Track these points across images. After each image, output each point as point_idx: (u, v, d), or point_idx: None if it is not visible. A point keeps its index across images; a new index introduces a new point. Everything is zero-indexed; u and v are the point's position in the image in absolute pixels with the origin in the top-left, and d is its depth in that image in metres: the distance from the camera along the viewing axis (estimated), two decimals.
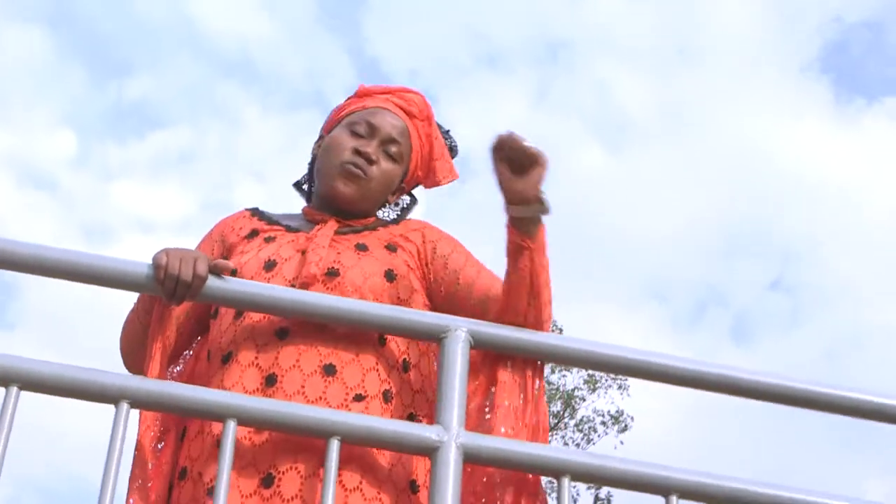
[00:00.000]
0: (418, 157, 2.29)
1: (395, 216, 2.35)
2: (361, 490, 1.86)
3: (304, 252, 2.07)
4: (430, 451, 1.80)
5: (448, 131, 2.39)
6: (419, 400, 2.03)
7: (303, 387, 1.92)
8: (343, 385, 1.93)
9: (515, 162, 1.91)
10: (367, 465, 1.88)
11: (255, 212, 2.27)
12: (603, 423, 20.48)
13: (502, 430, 1.91)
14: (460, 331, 1.91)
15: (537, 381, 1.98)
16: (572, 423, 20.09)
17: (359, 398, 1.94)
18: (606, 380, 20.58)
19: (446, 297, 2.11)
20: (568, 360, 2.03)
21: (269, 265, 2.04)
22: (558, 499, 1.82)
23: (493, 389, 1.97)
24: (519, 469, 1.88)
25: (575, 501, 19.02)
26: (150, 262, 1.86)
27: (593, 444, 20.33)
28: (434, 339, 1.92)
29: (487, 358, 2.00)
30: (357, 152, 2.18)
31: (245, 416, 1.76)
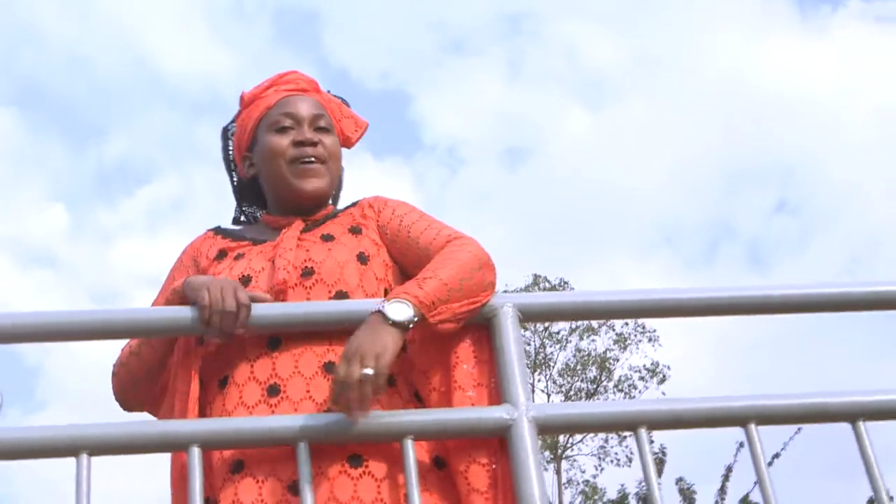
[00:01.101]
0: (344, 132, 2.31)
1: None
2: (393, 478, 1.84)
3: (272, 259, 2.05)
4: (503, 431, 1.79)
5: (328, 90, 2.37)
6: (417, 376, 1.98)
7: (308, 391, 1.89)
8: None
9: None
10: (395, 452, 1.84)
11: (219, 230, 2.24)
12: (641, 378, 20.51)
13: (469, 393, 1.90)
14: (507, 307, 1.91)
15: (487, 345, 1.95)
16: (611, 384, 20.10)
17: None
18: (636, 335, 20.62)
19: (401, 250, 2.09)
20: (616, 312, 2.00)
21: (245, 281, 2.01)
22: (639, 451, 1.81)
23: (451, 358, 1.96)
24: (593, 429, 1.87)
25: (630, 460, 19.05)
26: (190, 301, 1.87)
27: (633, 398, 20.31)
28: (483, 322, 1.92)
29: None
30: (298, 143, 2.17)
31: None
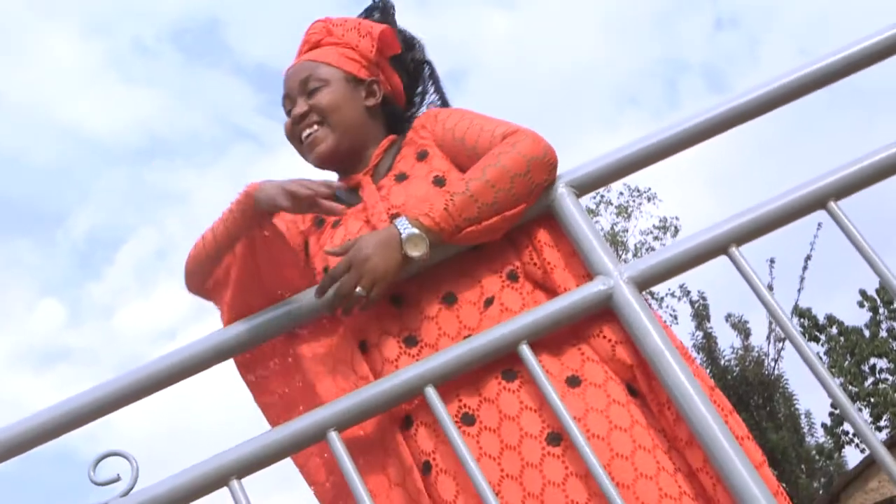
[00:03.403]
0: (356, 56, 2.20)
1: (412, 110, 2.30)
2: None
3: (367, 220, 2.02)
4: (607, 301, 1.80)
5: (362, 14, 2.30)
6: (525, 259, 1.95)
7: (439, 328, 1.89)
8: (466, 304, 1.89)
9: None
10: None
11: None
12: (655, 238, 20.57)
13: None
14: (561, 189, 1.92)
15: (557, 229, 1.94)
16: (629, 255, 20.14)
17: (489, 302, 1.89)
18: (634, 201, 20.64)
19: (464, 162, 2.01)
20: (663, 152, 1.97)
21: None
22: (739, 270, 1.81)
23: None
24: (687, 267, 1.87)
25: (675, 318, 19.14)
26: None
27: None
28: (543, 209, 1.92)
29: None
30: (293, 122, 2.16)
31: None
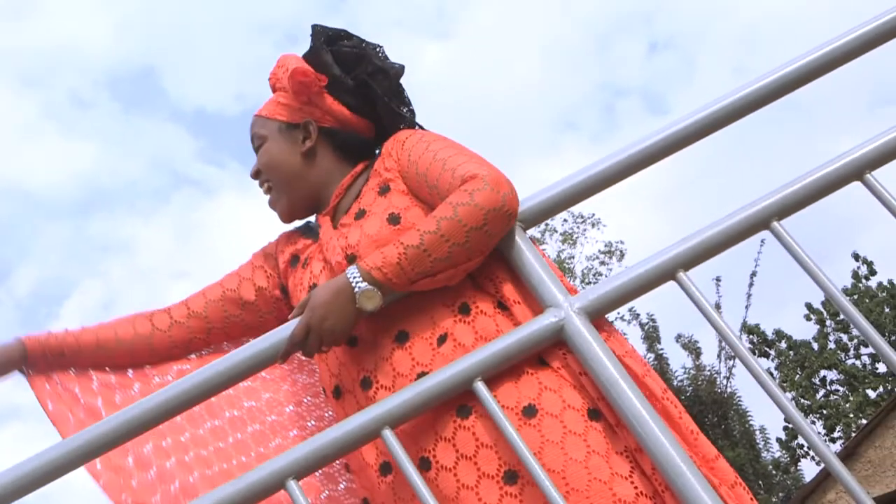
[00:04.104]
0: (287, 99, 2.18)
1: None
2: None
3: (325, 261, 2.04)
4: (559, 334, 1.79)
5: (314, 49, 2.19)
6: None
7: (393, 369, 1.90)
8: (419, 341, 1.89)
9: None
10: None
11: (304, 227, 2.26)
12: (602, 263, 20.69)
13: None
14: None
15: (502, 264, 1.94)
16: (577, 282, 20.23)
17: (442, 339, 1.88)
18: (579, 226, 20.77)
19: (426, 199, 1.99)
20: (611, 179, 1.96)
21: (312, 289, 2.00)
22: (687, 294, 1.82)
23: None
24: (637, 294, 1.87)
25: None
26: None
27: None
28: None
29: None
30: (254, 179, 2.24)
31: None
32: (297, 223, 2.27)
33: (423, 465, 1.81)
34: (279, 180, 2.16)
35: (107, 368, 2.21)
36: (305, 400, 2.26)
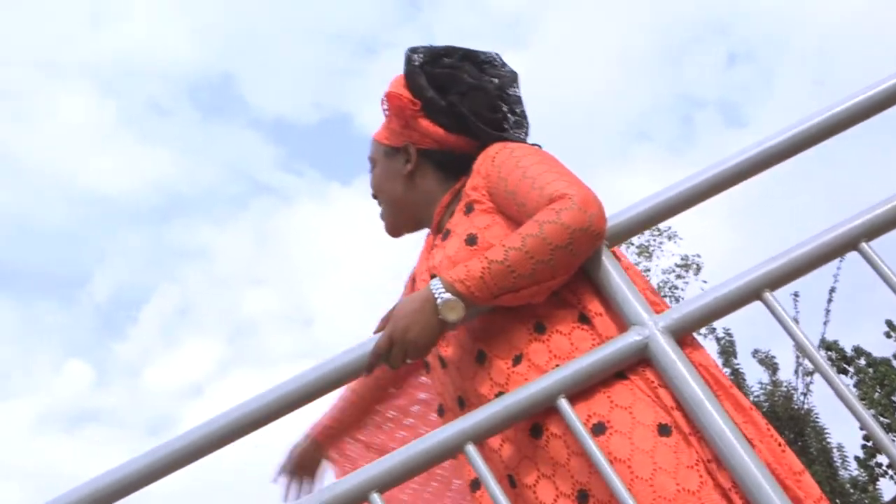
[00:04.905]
0: (393, 127, 2.22)
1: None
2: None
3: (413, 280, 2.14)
4: (643, 352, 1.80)
5: (407, 76, 2.22)
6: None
7: (475, 387, 1.93)
8: (496, 360, 1.91)
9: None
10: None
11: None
12: (678, 276, 20.52)
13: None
14: None
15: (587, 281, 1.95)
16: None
17: (517, 359, 1.90)
18: (655, 240, 20.62)
19: (514, 217, 1.98)
20: (693, 199, 1.98)
21: None
22: (774, 314, 1.81)
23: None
24: (723, 314, 1.87)
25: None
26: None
27: (681, 300, 20.35)
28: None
29: None
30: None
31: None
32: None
33: (511, 483, 1.85)
34: (387, 202, 2.26)
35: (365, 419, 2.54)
36: None
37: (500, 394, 1.86)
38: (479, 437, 1.76)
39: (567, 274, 1.87)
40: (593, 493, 1.73)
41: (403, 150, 2.21)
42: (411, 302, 1.85)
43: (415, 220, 2.24)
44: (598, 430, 1.77)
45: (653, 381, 1.80)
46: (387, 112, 2.23)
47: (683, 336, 1.84)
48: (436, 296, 1.82)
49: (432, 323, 1.83)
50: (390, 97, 2.17)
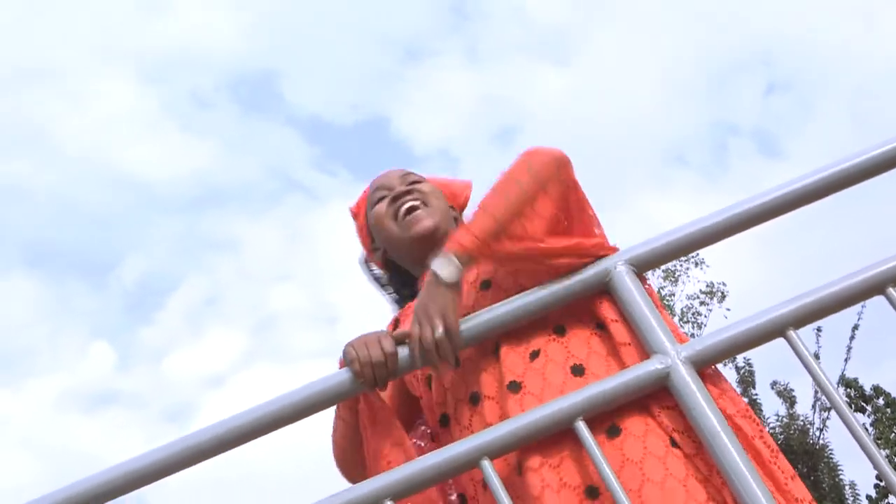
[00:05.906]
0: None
1: None
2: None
3: None
4: (664, 381, 1.81)
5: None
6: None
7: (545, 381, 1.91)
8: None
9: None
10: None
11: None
12: (702, 302, 20.43)
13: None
14: (620, 266, 1.93)
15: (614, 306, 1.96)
16: (676, 319, 20.04)
17: (577, 370, 1.91)
18: (681, 265, 20.54)
19: None
20: (724, 231, 1.97)
21: None
22: (796, 353, 1.82)
23: None
24: (746, 348, 1.88)
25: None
26: (343, 360, 1.93)
27: (703, 326, 20.29)
28: (603, 288, 1.94)
29: None
30: (393, 200, 2.26)
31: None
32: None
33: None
34: (435, 207, 2.26)
35: None
36: None
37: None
38: (495, 454, 1.78)
39: (545, 189, 1.95)
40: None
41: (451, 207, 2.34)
42: (422, 291, 1.91)
43: (442, 241, 2.16)
44: (612, 432, 1.81)
45: (665, 402, 1.83)
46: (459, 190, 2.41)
47: (704, 368, 1.85)
48: (433, 269, 1.89)
49: (442, 292, 1.87)
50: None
